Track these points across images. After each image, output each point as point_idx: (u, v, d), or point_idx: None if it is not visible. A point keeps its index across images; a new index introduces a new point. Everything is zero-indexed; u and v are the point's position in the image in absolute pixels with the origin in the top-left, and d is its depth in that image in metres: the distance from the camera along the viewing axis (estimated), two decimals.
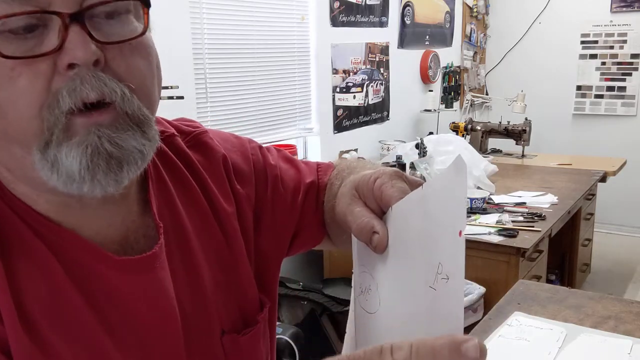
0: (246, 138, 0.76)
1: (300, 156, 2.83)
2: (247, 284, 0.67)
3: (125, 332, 0.55)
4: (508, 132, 3.56)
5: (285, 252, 0.75)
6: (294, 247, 0.75)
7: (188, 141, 0.69)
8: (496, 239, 2.13)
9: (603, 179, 3.14)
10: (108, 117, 0.48)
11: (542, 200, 2.57)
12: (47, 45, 0.46)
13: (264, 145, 0.77)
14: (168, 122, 0.69)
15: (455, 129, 3.65)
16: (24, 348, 0.49)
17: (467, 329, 1.24)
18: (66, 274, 0.53)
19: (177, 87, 2.06)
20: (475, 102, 4.27)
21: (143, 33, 0.51)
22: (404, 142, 3.20)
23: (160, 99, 0.56)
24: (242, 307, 0.67)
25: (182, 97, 2.11)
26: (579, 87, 4.36)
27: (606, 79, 4.26)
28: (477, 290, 2.10)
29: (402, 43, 3.51)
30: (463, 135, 3.54)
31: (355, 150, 3.10)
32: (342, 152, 3.02)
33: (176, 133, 0.68)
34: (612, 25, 4.18)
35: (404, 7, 3.48)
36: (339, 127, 3.04)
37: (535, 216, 2.35)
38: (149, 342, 0.56)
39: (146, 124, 0.51)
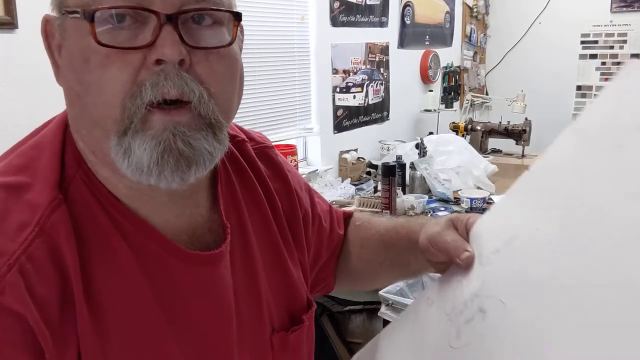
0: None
1: (300, 156, 2.83)
2: (298, 287, 0.72)
3: (185, 323, 0.58)
4: (508, 132, 3.56)
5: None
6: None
7: (256, 149, 0.74)
8: None
9: None
10: (185, 117, 0.51)
11: None
12: (140, 40, 0.50)
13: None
14: (239, 128, 0.75)
15: (455, 129, 3.65)
16: (88, 334, 0.51)
17: None
18: (137, 262, 0.55)
19: None
20: (476, 102, 4.27)
21: (230, 44, 0.55)
22: (404, 142, 3.20)
23: None
24: (291, 307, 0.71)
25: None
26: (579, 87, 4.36)
27: (606, 79, 4.25)
28: None
29: (402, 43, 3.51)
30: (463, 136, 3.54)
31: (355, 150, 3.10)
32: (342, 152, 3.02)
33: (246, 139, 0.73)
34: (612, 25, 4.17)
35: (404, 7, 3.48)
36: (339, 127, 3.04)
37: None
38: (203, 335, 0.59)
39: (218, 127, 0.54)
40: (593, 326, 0.43)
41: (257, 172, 0.71)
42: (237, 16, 0.55)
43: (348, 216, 0.87)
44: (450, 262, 0.63)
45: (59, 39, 0.54)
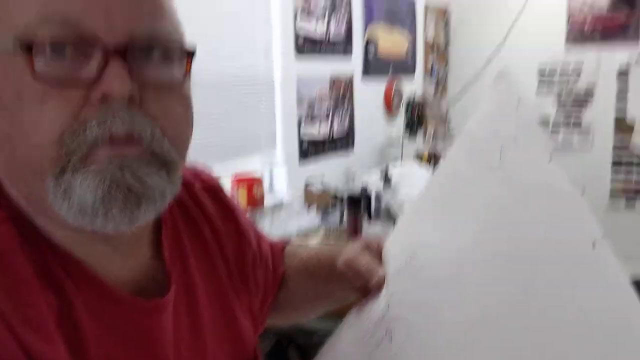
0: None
1: (266, 186, 2.83)
2: (247, 338, 0.66)
3: None
4: None
5: None
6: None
7: (205, 189, 0.69)
8: None
9: None
10: (134, 150, 0.46)
11: None
12: (84, 74, 0.45)
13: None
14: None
15: (419, 158, 3.71)
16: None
17: None
18: (83, 304, 0.49)
19: None
20: (439, 133, 4.35)
21: (184, 79, 0.50)
22: (370, 170, 3.23)
23: None
24: None
25: None
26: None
27: (562, 113, 4.41)
28: None
29: (367, 75, 3.58)
30: (428, 164, 3.60)
31: (321, 180, 3.11)
32: (308, 183, 3.03)
33: (192, 180, 0.68)
34: (567, 61, 4.35)
35: (366, 44, 3.56)
36: (304, 158, 3.06)
37: None
38: None
39: (172, 167, 0.49)
40: (494, 339, 0.43)
41: (204, 214, 0.66)
42: (191, 52, 0.51)
43: (284, 248, 0.83)
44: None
45: None
